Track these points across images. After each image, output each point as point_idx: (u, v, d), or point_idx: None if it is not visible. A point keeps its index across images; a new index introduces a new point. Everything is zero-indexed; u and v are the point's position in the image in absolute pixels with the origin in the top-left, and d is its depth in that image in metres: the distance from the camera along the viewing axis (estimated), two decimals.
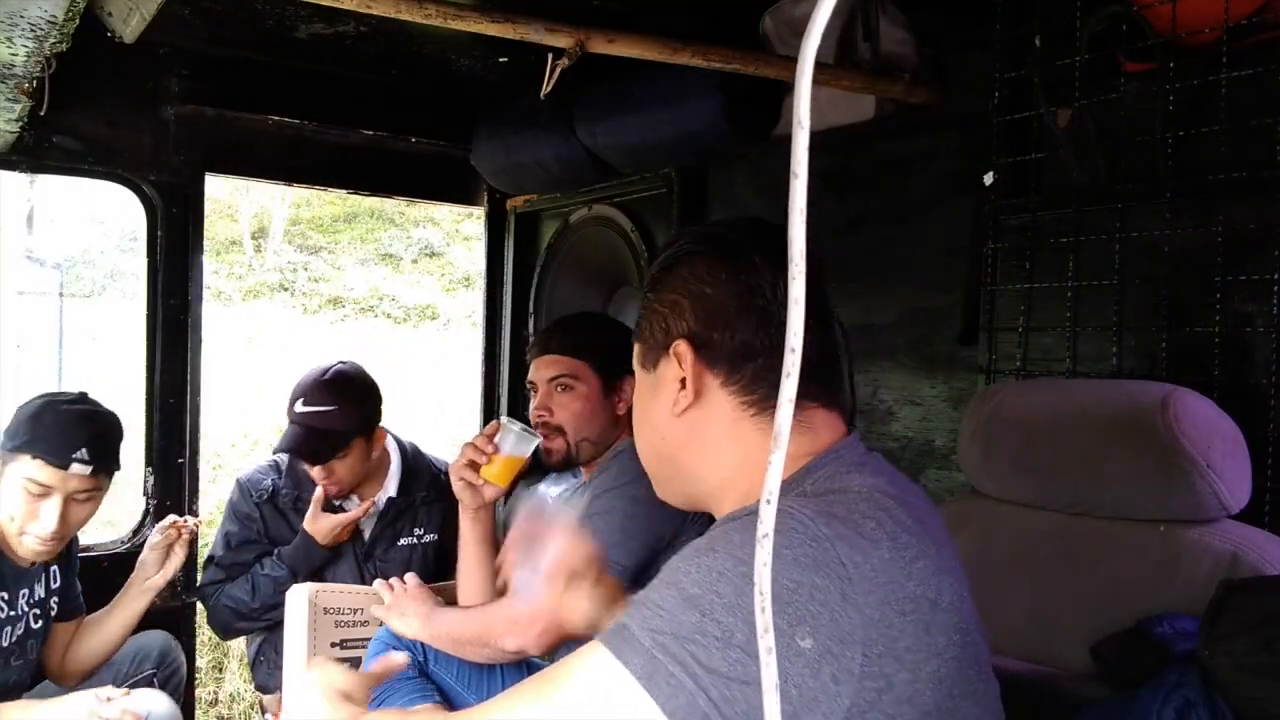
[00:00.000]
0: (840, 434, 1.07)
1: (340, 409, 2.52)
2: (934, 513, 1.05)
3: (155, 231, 2.78)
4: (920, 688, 0.89)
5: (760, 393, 1.05)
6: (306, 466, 2.60)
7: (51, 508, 2.11)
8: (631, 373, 2.14)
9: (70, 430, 2.11)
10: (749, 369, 1.05)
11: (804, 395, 1.04)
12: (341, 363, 2.63)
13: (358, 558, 2.67)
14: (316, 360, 2.71)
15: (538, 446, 2.00)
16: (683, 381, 1.07)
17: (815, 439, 1.05)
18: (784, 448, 0.56)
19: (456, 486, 2.01)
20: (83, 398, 2.23)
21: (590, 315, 2.42)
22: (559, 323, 2.27)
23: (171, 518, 2.52)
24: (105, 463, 2.16)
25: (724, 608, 0.85)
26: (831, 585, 0.86)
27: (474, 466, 1.97)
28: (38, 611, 2.23)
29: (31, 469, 2.08)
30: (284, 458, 2.71)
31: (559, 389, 2.06)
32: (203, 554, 2.92)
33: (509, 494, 3.42)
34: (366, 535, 2.69)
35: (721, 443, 1.07)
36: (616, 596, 1.47)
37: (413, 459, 2.78)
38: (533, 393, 2.11)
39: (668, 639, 0.85)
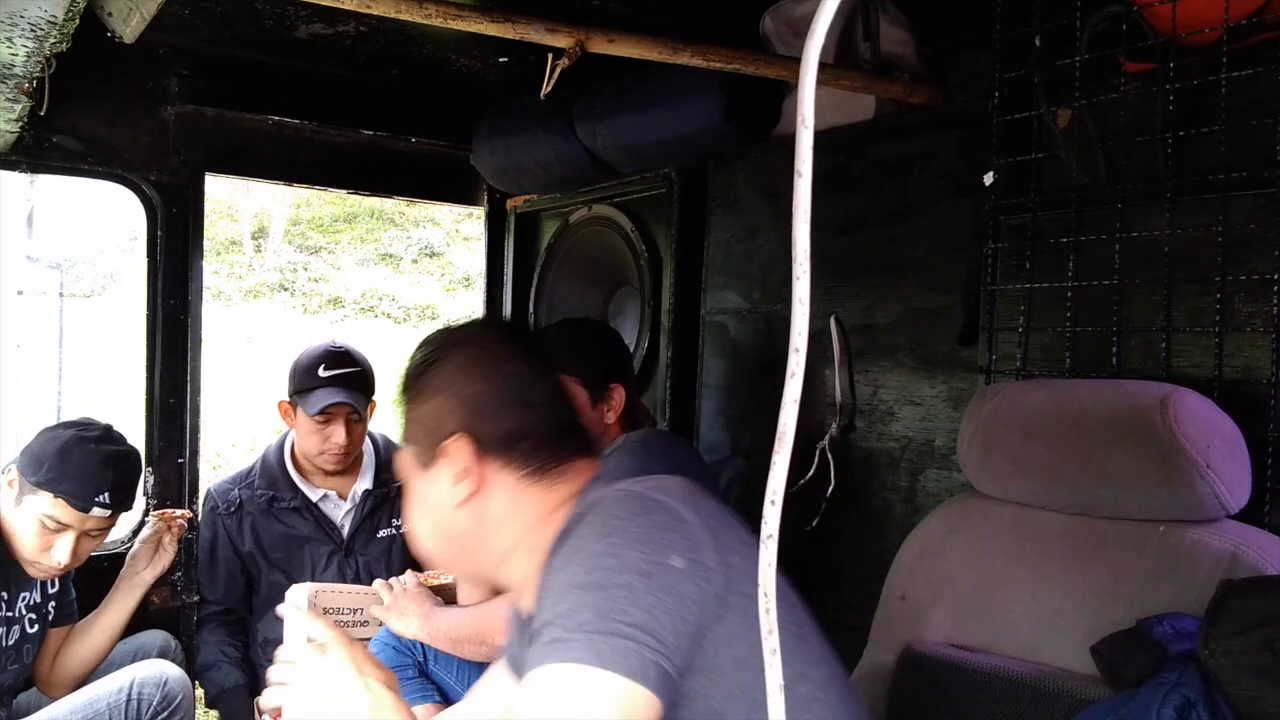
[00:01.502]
0: (596, 469, 1.23)
1: (363, 369, 2.66)
2: None
3: (155, 231, 2.78)
4: (751, 570, 1.01)
5: (537, 462, 1.19)
6: (309, 444, 2.64)
7: (65, 543, 2.12)
8: (619, 380, 2.15)
9: (96, 473, 2.11)
10: (523, 447, 1.18)
11: (571, 453, 1.21)
12: (336, 339, 2.75)
13: (339, 554, 2.69)
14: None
15: None
16: (462, 472, 1.17)
17: (578, 481, 1.20)
18: (789, 446, 0.56)
19: None
20: (109, 434, 2.21)
21: (574, 324, 2.40)
22: (543, 333, 2.26)
23: (158, 511, 2.53)
24: (124, 504, 2.20)
25: (616, 570, 0.99)
26: (667, 516, 1.05)
27: None
28: (34, 616, 2.23)
29: (52, 507, 2.09)
30: (257, 464, 2.76)
31: None
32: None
33: None
34: (345, 531, 2.71)
35: (509, 515, 1.19)
36: None
37: (385, 451, 2.81)
38: None
39: (594, 622, 0.95)
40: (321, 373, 2.59)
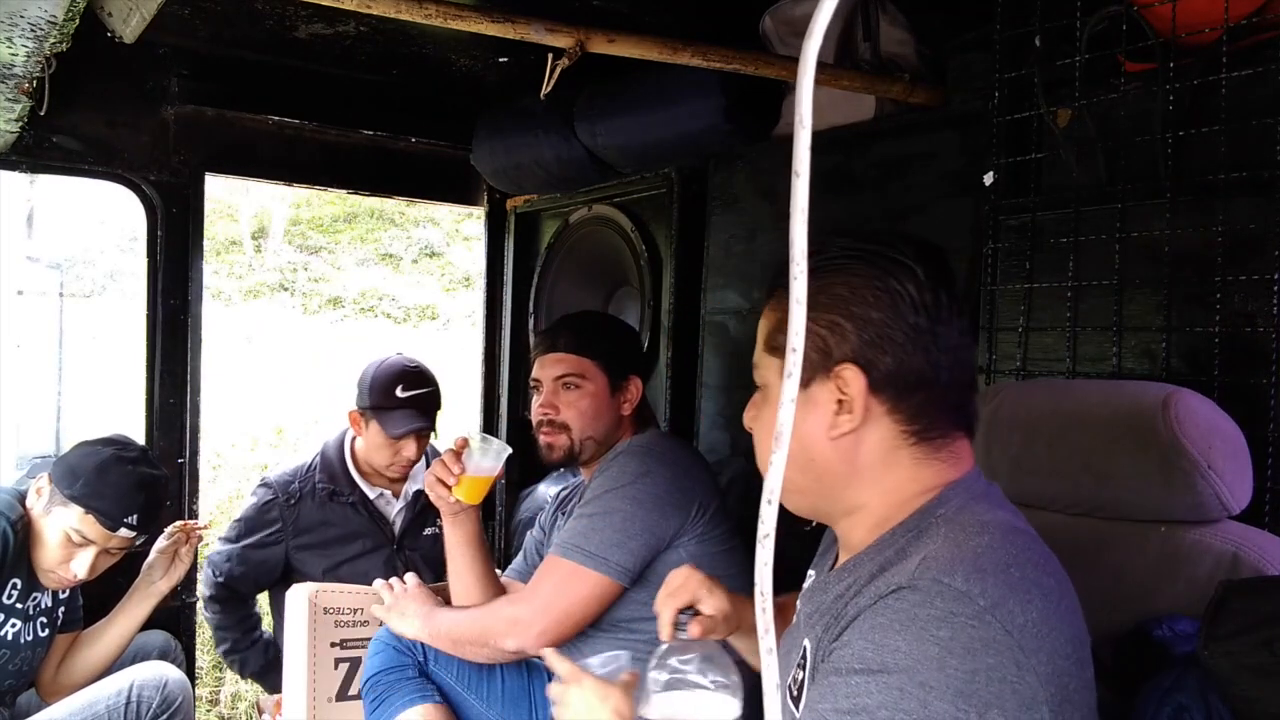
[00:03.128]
0: (971, 464, 1.08)
1: (436, 389, 2.74)
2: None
3: (155, 231, 2.78)
4: (1087, 714, 0.95)
5: (923, 423, 1.04)
6: (379, 456, 2.71)
7: (85, 558, 2.14)
8: (637, 372, 2.12)
9: (130, 494, 2.14)
10: (916, 399, 1.03)
11: (955, 424, 1.06)
12: (405, 354, 2.82)
13: (388, 549, 2.79)
14: (318, 358, 2.81)
15: (527, 454, 2.00)
16: (841, 404, 1.03)
17: (955, 467, 1.06)
18: (785, 448, 0.56)
19: (431, 496, 2.01)
20: (145, 456, 2.25)
21: (596, 314, 2.42)
22: (565, 320, 2.24)
23: (178, 522, 2.53)
24: (149, 528, 2.22)
25: (914, 716, 0.87)
26: (1005, 661, 0.88)
27: (446, 484, 1.97)
28: (44, 620, 2.24)
29: (80, 522, 2.11)
30: (316, 459, 2.81)
31: (565, 387, 2.04)
32: (203, 554, 2.93)
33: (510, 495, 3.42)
34: (397, 528, 2.81)
35: (874, 468, 1.05)
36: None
37: (430, 454, 2.89)
38: (536, 391, 2.09)
39: None
40: (400, 393, 2.66)
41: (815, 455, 1.06)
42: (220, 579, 2.73)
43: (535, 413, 2.08)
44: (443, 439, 2.77)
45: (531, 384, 2.12)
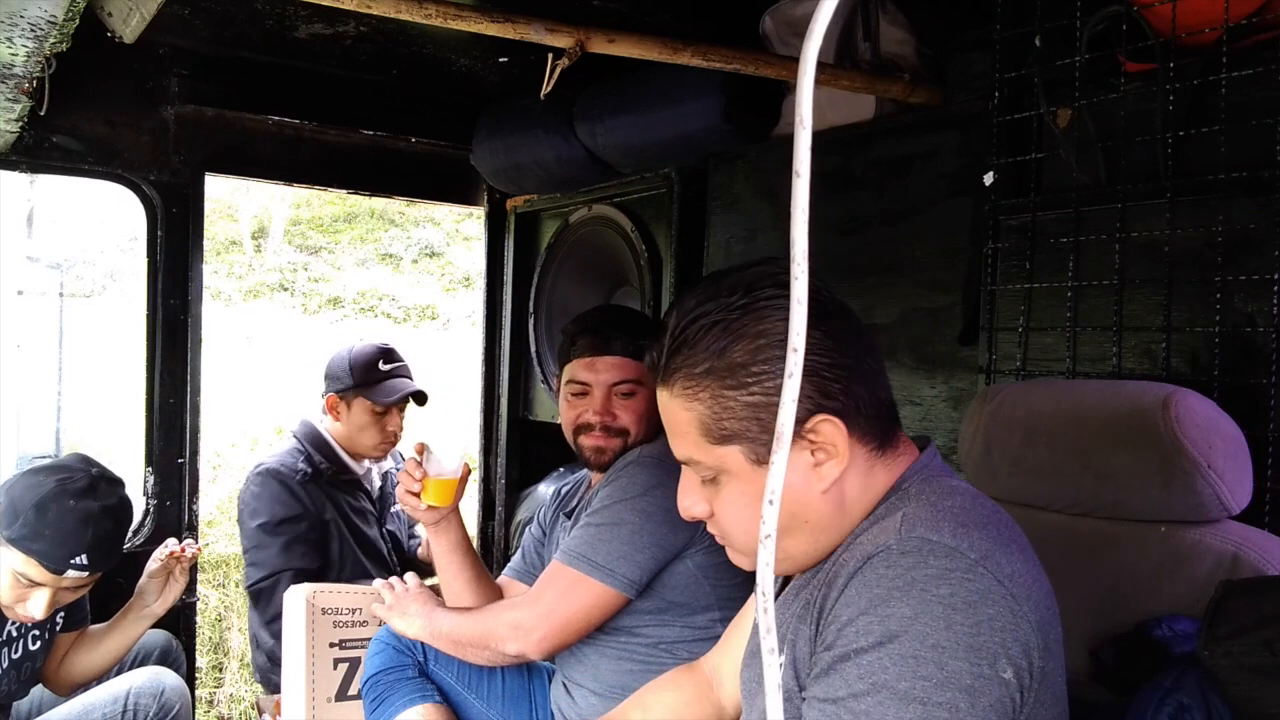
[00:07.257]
0: (917, 450, 1.11)
1: (407, 365, 2.85)
2: None
3: (155, 231, 2.79)
4: (1058, 674, 0.96)
5: (879, 437, 1.06)
6: (368, 435, 2.77)
7: (40, 599, 2.01)
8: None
9: (73, 533, 1.97)
10: (871, 419, 1.04)
11: (893, 421, 1.10)
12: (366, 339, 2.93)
13: (379, 526, 2.89)
14: (318, 358, 2.91)
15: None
16: (825, 454, 1.02)
17: (909, 456, 1.10)
18: (786, 447, 0.56)
19: (407, 510, 2.02)
20: (92, 486, 2.04)
21: (635, 313, 2.31)
22: (609, 319, 2.06)
23: (169, 544, 2.46)
24: (104, 564, 2.05)
25: (939, 685, 0.87)
26: (1002, 610, 0.90)
27: (417, 493, 1.96)
28: (37, 633, 2.19)
29: (24, 566, 1.97)
30: (304, 446, 2.79)
31: (623, 394, 1.94)
32: (203, 556, 2.94)
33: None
34: (380, 503, 2.92)
35: (860, 493, 1.05)
36: None
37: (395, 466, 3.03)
38: (576, 394, 1.98)
39: None
40: (383, 367, 2.76)
41: (810, 515, 1.04)
42: (286, 580, 2.58)
43: (581, 416, 1.96)
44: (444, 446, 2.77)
45: (575, 383, 1.98)
